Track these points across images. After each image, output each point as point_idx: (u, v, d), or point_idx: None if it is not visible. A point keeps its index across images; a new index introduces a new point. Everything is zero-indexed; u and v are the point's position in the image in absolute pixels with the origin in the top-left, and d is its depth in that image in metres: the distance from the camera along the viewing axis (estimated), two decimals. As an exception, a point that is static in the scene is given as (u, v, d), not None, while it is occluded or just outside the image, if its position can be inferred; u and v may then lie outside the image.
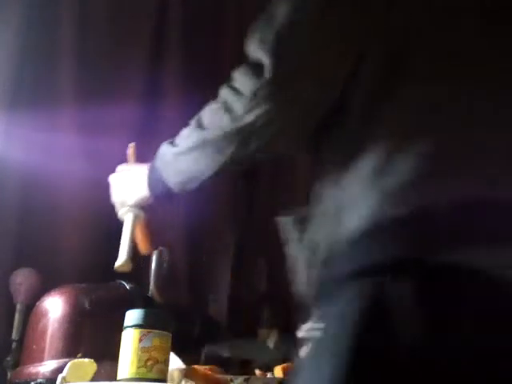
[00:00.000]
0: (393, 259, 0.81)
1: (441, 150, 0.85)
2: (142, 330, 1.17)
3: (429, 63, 0.89)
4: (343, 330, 0.80)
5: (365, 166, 0.87)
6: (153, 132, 1.85)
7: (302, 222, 0.96)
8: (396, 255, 0.81)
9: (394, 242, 0.82)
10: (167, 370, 1.19)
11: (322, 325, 0.85)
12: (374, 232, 0.83)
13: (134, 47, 1.99)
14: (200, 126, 1.03)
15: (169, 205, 1.22)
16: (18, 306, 1.61)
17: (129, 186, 1.26)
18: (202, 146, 1.04)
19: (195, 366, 1.19)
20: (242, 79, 0.97)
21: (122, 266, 1.23)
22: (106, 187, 1.84)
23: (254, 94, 0.94)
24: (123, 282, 1.53)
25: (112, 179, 1.31)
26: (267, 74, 0.92)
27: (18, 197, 1.70)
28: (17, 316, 1.60)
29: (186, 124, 1.09)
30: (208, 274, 2.00)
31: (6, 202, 1.69)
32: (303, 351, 0.87)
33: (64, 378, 1.23)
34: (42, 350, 1.38)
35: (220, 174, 1.05)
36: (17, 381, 1.42)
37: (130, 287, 1.52)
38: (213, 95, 1.02)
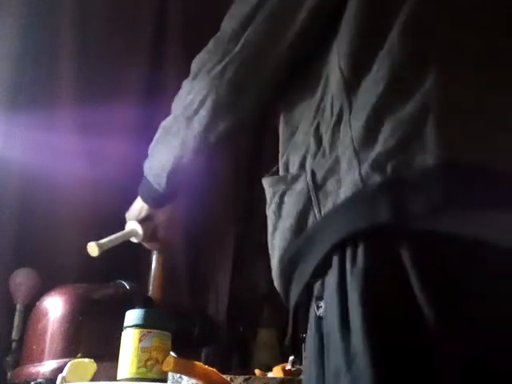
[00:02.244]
0: (379, 225, 0.75)
1: (426, 113, 0.77)
2: (142, 329, 1.17)
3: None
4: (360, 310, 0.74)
5: (348, 132, 0.80)
6: (153, 132, 1.85)
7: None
8: (381, 222, 0.75)
9: (379, 209, 0.75)
10: (167, 370, 1.19)
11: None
12: (360, 199, 0.77)
13: (134, 47, 1.99)
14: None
15: (165, 204, 1.18)
16: (18, 306, 1.61)
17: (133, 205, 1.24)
18: (163, 134, 1.04)
19: (197, 363, 1.18)
20: (192, 65, 0.97)
21: (93, 246, 1.24)
22: (105, 187, 1.84)
23: (195, 75, 0.95)
24: (123, 282, 1.53)
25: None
26: (202, 53, 0.94)
27: (17, 197, 1.70)
28: (17, 316, 1.60)
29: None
30: (208, 273, 2.00)
31: (6, 201, 1.68)
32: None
33: (64, 378, 1.23)
34: (42, 350, 1.38)
35: (189, 161, 0.99)
36: (17, 381, 1.42)
37: (130, 287, 1.52)
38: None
